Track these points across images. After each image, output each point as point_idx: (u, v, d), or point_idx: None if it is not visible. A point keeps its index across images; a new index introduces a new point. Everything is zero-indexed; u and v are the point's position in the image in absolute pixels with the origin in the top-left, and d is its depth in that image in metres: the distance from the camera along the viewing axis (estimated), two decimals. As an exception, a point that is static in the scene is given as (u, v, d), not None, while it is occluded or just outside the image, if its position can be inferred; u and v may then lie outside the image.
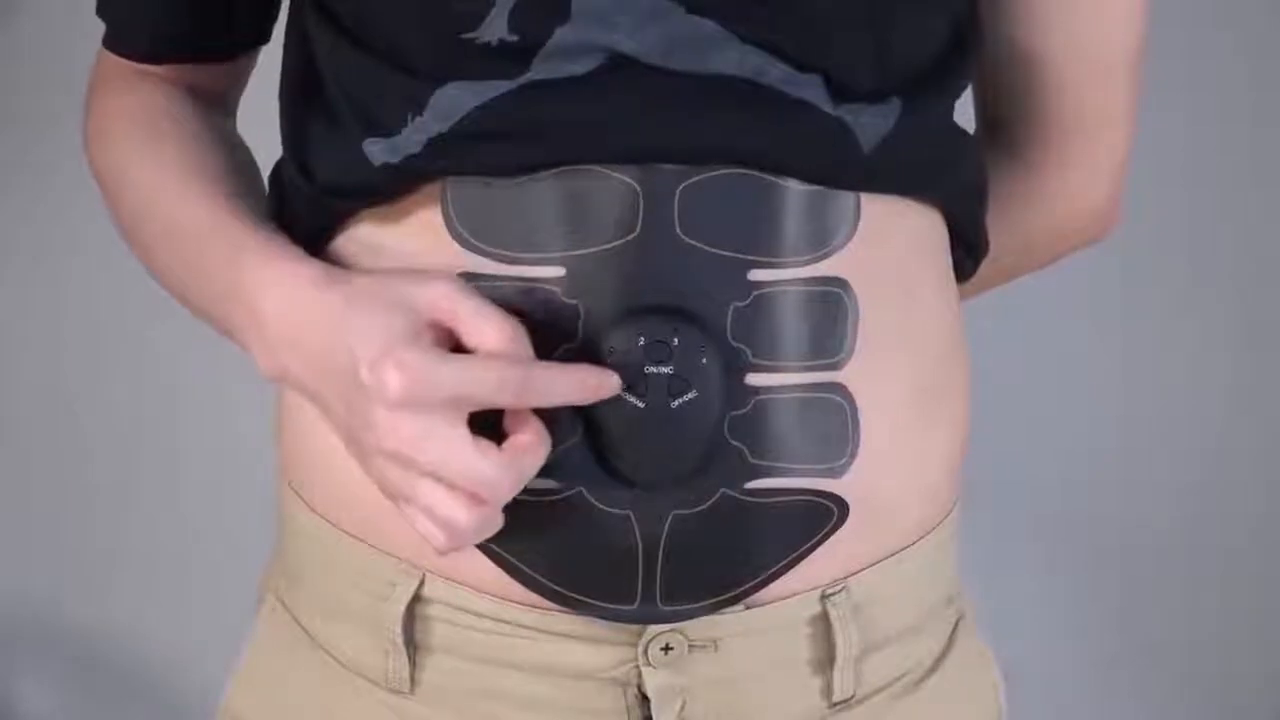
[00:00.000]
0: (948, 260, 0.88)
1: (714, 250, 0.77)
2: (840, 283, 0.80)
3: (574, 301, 0.77)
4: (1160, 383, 1.89)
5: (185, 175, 0.86)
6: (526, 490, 0.76)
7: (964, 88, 0.87)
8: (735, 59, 0.77)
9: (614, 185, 0.77)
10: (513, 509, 0.77)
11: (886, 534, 0.85)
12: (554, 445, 0.76)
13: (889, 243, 0.82)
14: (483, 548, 0.80)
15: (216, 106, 0.97)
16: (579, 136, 0.76)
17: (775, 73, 0.77)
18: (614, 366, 0.76)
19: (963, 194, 0.88)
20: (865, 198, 0.80)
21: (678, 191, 0.77)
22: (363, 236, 0.83)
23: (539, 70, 0.76)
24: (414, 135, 0.78)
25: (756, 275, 0.78)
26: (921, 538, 0.87)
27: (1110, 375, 1.89)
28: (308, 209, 0.85)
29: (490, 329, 0.73)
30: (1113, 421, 1.90)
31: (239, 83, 0.99)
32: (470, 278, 0.78)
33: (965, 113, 0.90)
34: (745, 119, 0.77)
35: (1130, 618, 1.95)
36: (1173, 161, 1.73)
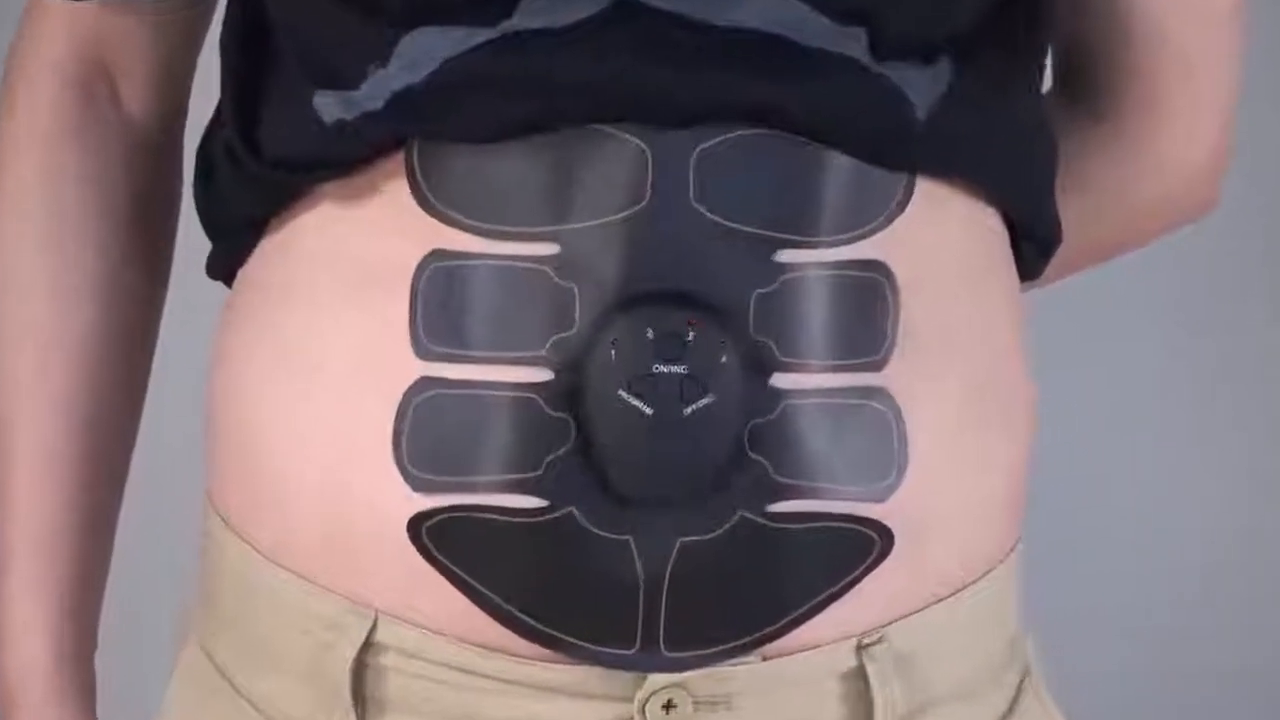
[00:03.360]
0: (1007, 250, 0.83)
1: (736, 225, 0.72)
2: (880, 268, 0.74)
3: (569, 284, 0.72)
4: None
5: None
6: (507, 510, 0.72)
7: (1039, 50, 0.83)
8: (764, 7, 0.72)
9: (617, 147, 0.72)
10: (488, 531, 0.73)
11: (938, 571, 0.78)
12: (540, 455, 0.72)
13: (940, 225, 0.77)
14: (452, 578, 0.74)
15: (152, 121, 0.93)
16: (575, 94, 0.72)
17: (813, 26, 0.73)
18: (617, 363, 0.71)
19: (1030, 179, 0.83)
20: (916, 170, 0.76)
21: (694, 155, 0.72)
22: (319, 216, 0.78)
23: (528, 14, 0.72)
24: (375, 89, 0.74)
25: (785, 256, 0.73)
26: (981, 576, 0.80)
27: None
28: (251, 190, 0.80)
29: None
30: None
31: (187, 42, 0.93)
32: (445, 256, 0.73)
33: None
34: (775, 77, 0.72)
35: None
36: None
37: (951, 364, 0.78)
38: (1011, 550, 0.83)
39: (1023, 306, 0.84)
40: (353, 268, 0.76)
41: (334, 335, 0.77)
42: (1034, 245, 0.85)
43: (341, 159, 0.75)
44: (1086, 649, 1.64)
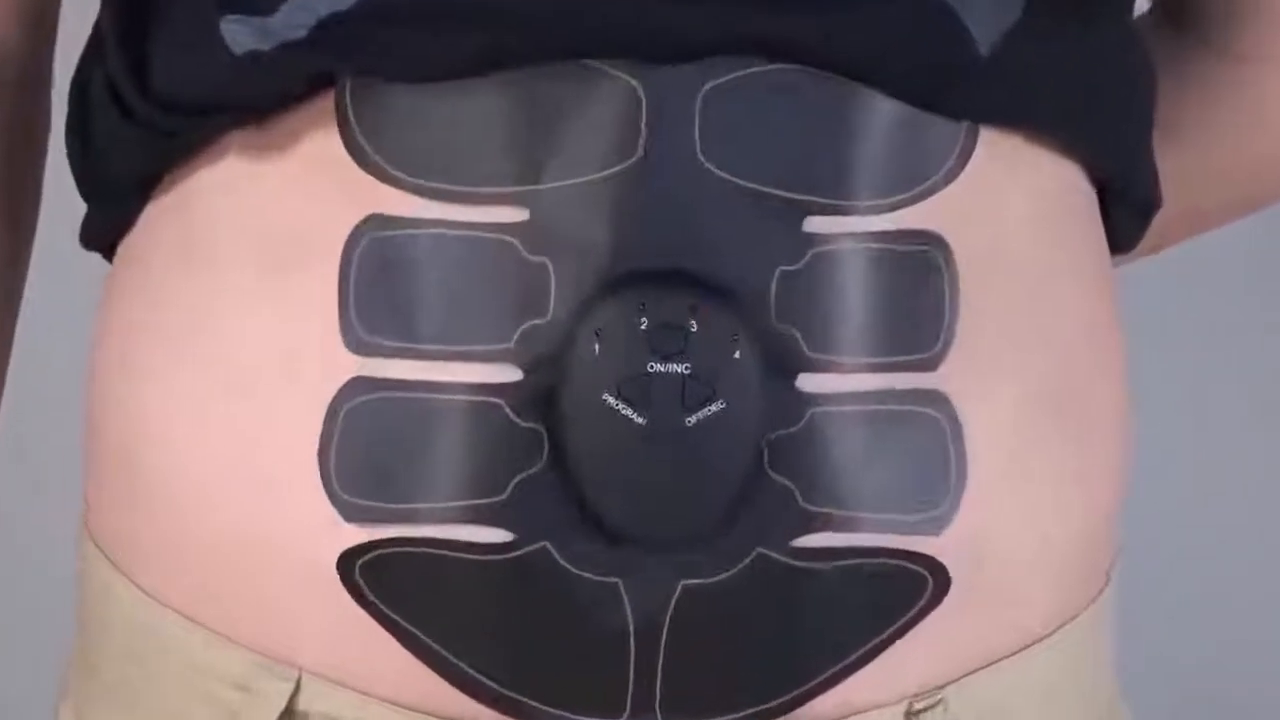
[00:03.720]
0: (1095, 217, 0.76)
1: (752, 185, 0.66)
2: (936, 241, 0.67)
3: (540, 259, 0.66)
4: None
5: None
6: (463, 544, 0.66)
7: None
8: None
9: (604, 88, 0.66)
10: (439, 570, 0.67)
11: (1006, 618, 0.72)
12: (505, 476, 0.66)
13: (1009, 188, 0.70)
14: (393, 628, 0.67)
15: (13, 46, 0.85)
16: (547, 20, 0.66)
17: None
18: (603, 359, 0.66)
19: (1122, 129, 0.76)
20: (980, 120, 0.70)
21: (700, 96, 0.65)
22: (224, 172, 0.72)
23: None
24: (295, 15, 0.68)
25: (814, 225, 0.66)
26: (1060, 626, 0.73)
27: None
28: (139, 140, 0.74)
29: None
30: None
31: None
32: (384, 223, 0.67)
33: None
34: (793, 3, 0.66)
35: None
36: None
37: (1024, 363, 0.71)
38: (1100, 594, 0.76)
39: (1116, 287, 0.77)
40: (267, 237, 0.69)
41: (242, 323, 0.70)
42: (1127, 209, 0.78)
43: (255, 100, 0.69)
44: (1142, 650, 1.58)
